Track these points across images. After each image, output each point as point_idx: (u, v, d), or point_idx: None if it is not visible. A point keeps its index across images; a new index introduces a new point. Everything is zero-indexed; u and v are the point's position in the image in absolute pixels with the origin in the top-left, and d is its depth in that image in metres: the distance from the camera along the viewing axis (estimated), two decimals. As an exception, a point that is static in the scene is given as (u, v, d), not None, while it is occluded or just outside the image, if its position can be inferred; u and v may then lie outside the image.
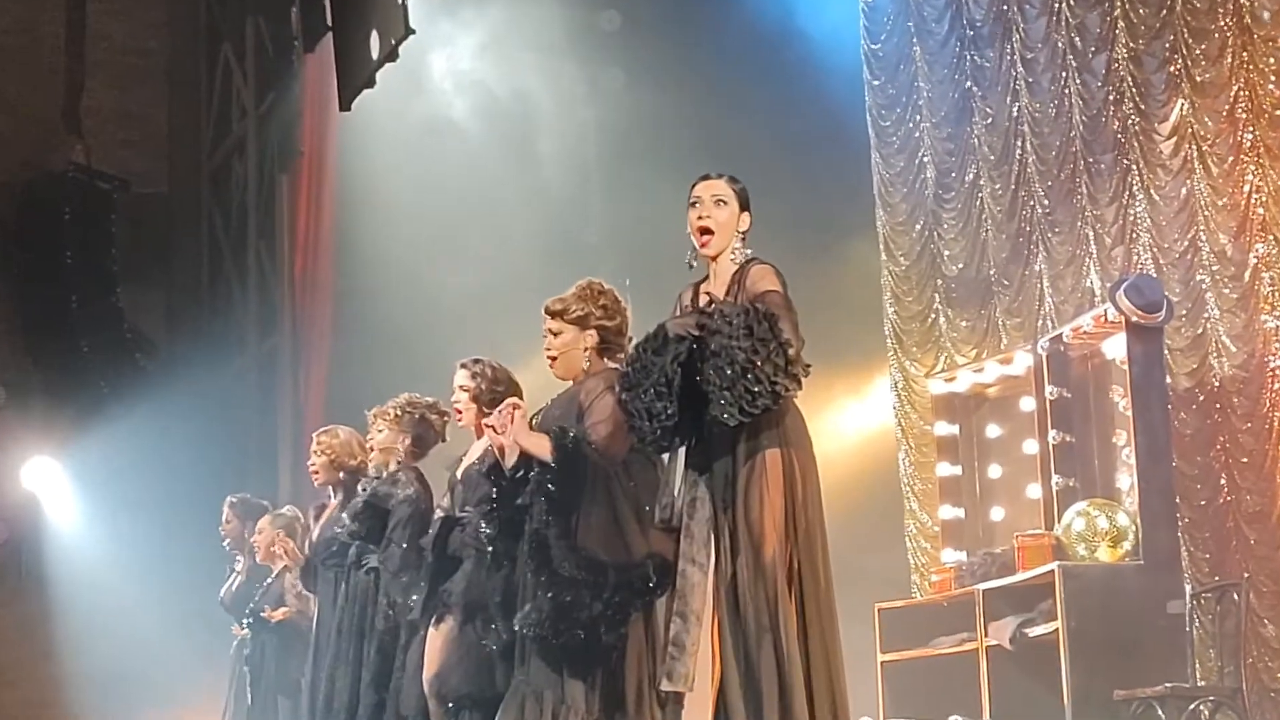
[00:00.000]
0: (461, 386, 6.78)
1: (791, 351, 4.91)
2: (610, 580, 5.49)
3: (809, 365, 4.99)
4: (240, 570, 9.92)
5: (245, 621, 9.51)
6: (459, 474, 6.77)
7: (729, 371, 4.88)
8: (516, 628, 5.67)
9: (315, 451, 8.31)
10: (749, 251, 5.34)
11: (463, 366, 6.80)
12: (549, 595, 5.51)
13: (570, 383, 5.94)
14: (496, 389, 6.67)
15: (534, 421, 5.85)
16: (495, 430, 5.76)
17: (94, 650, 13.82)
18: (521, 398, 6.28)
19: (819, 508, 5.14)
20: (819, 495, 5.16)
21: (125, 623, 13.67)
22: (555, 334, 5.92)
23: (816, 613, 5.03)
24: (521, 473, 5.75)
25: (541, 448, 5.64)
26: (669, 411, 5.04)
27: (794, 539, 5.04)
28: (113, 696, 13.68)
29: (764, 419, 5.01)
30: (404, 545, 7.02)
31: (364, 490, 7.50)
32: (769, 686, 4.95)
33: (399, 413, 7.51)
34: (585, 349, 5.88)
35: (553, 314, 5.92)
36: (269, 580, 9.50)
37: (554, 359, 5.94)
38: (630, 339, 5.84)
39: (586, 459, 5.60)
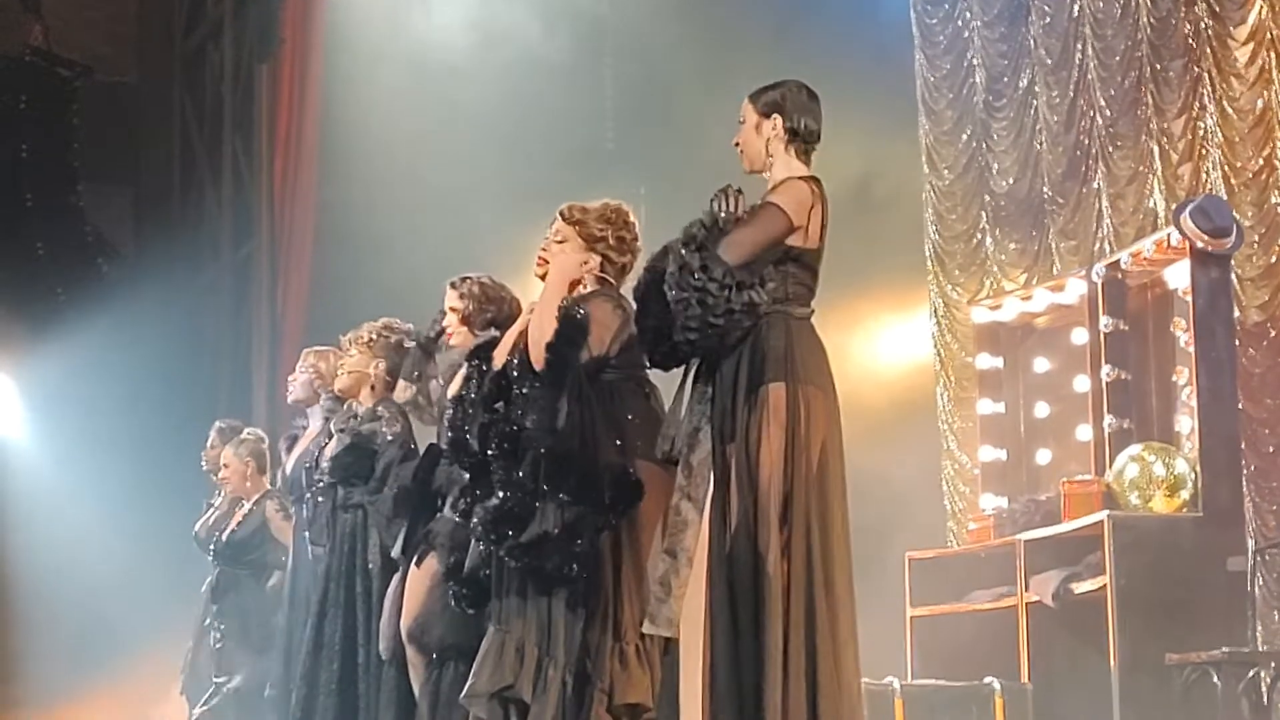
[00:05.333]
0: (451, 308, 6.82)
1: (722, 265, 5.01)
2: (570, 483, 5.55)
3: (754, 288, 5.05)
4: (218, 503, 9.92)
5: (210, 551, 9.53)
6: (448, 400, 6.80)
7: (668, 286, 5.06)
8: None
9: (300, 368, 8.36)
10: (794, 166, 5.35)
11: (451, 286, 6.83)
12: (499, 494, 5.64)
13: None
14: (487, 309, 6.72)
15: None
16: None
17: (46, 590, 13.85)
18: (519, 313, 6.30)
19: (834, 449, 5.18)
20: (836, 435, 5.19)
21: (81, 559, 13.69)
22: (559, 241, 5.98)
23: (823, 560, 5.06)
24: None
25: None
26: (641, 325, 5.26)
27: (794, 480, 5.07)
28: (67, 641, 13.74)
29: (770, 348, 5.11)
30: (396, 489, 7.07)
31: (341, 431, 7.54)
32: (747, 640, 5.02)
33: (374, 336, 7.57)
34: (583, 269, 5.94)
35: (568, 221, 5.97)
36: (248, 507, 9.49)
37: (546, 263, 5.98)
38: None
39: (585, 336, 5.68)
